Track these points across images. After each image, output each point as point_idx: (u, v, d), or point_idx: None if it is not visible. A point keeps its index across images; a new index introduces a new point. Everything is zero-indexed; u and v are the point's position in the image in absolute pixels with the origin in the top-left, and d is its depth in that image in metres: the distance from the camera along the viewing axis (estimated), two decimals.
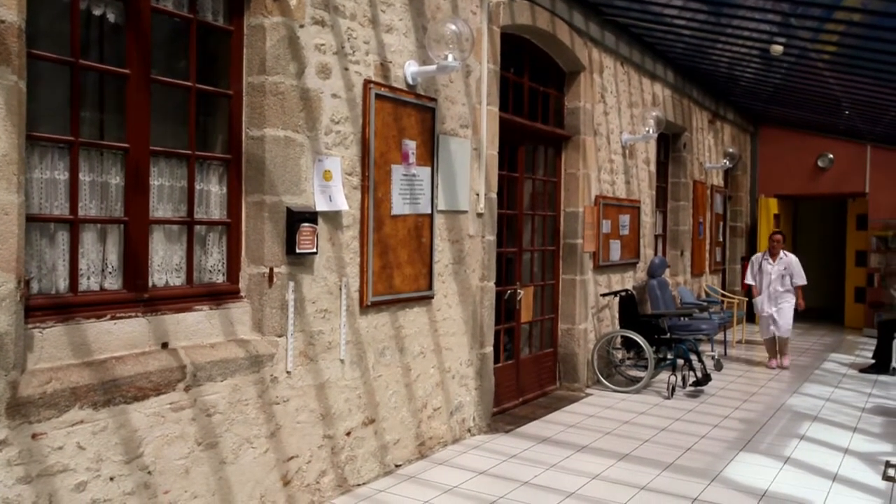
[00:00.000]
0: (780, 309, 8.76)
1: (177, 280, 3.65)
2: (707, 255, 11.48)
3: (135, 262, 3.41)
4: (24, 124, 2.84)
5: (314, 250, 4.06)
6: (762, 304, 8.84)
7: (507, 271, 6.54)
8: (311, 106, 4.08)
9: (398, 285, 4.77)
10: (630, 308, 7.76)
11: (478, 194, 5.62)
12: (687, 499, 4.41)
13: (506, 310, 6.48)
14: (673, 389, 7.16)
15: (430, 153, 5.05)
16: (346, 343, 4.36)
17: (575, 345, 7.33)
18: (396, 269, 4.75)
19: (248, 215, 3.91)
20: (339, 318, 4.31)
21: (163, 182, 3.59)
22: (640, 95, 8.67)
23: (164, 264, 3.60)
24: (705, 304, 9.70)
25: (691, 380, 7.43)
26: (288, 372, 3.96)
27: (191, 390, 3.43)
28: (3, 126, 2.71)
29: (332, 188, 4.22)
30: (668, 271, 9.50)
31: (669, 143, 10.26)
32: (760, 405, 6.88)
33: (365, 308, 4.50)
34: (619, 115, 8.10)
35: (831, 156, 12.73)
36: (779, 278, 8.75)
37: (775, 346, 8.89)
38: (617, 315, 7.93)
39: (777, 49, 6.94)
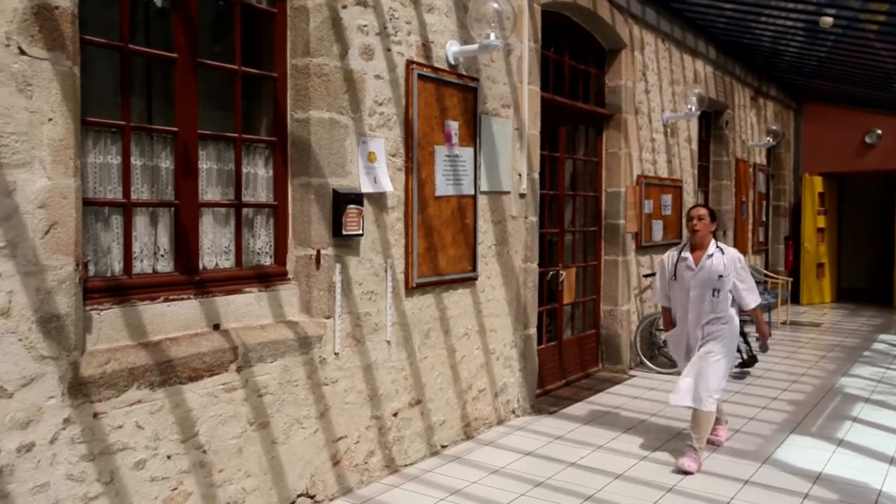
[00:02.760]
0: (703, 357, 4.61)
1: (226, 262, 3.68)
2: (750, 234, 11.27)
3: (186, 245, 3.44)
4: (79, 109, 2.87)
5: (360, 232, 4.06)
6: (675, 344, 4.97)
7: (549, 252, 6.49)
8: (355, 87, 4.07)
9: (442, 266, 4.76)
10: None
11: (520, 175, 5.57)
12: (739, 480, 4.35)
13: (548, 291, 6.44)
14: None
15: (472, 134, 5.01)
16: (392, 324, 4.36)
17: (618, 326, 7.26)
18: (440, 251, 4.74)
19: (295, 198, 3.92)
20: (385, 300, 4.31)
21: (211, 165, 3.61)
22: (682, 73, 8.51)
23: (214, 247, 3.63)
24: None
25: (737, 361, 7.31)
26: (336, 353, 3.98)
27: (242, 371, 3.47)
28: (59, 111, 2.74)
29: (376, 170, 4.21)
30: None
31: (711, 120, 10.06)
32: (809, 387, 6.75)
33: (410, 289, 4.50)
34: (660, 93, 7.95)
35: (879, 131, 12.36)
36: (703, 295, 4.66)
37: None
38: None
39: (827, 21, 6.74)
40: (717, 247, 4.70)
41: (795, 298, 12.40)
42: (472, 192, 5.02)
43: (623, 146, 7.17)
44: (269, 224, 3.89)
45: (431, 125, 4.64)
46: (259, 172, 3.85)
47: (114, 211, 3.20)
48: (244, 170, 3.75)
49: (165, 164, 3.40)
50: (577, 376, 6.90)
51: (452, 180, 4.83)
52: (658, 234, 7.93)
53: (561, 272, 6.54)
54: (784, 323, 10.60)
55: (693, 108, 8.10)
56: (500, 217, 5.34)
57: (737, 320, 4.75)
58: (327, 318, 3.93)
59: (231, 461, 3.42)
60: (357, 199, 4.03)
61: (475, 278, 5.07)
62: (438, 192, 4.71)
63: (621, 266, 7.22)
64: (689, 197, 8.85)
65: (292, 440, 3.73)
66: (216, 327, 3.49)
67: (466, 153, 4.96)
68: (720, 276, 4.61)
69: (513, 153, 5.48)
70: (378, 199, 4.25)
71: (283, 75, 3.87)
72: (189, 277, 3.43)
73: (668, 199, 8.13)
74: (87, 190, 3.09)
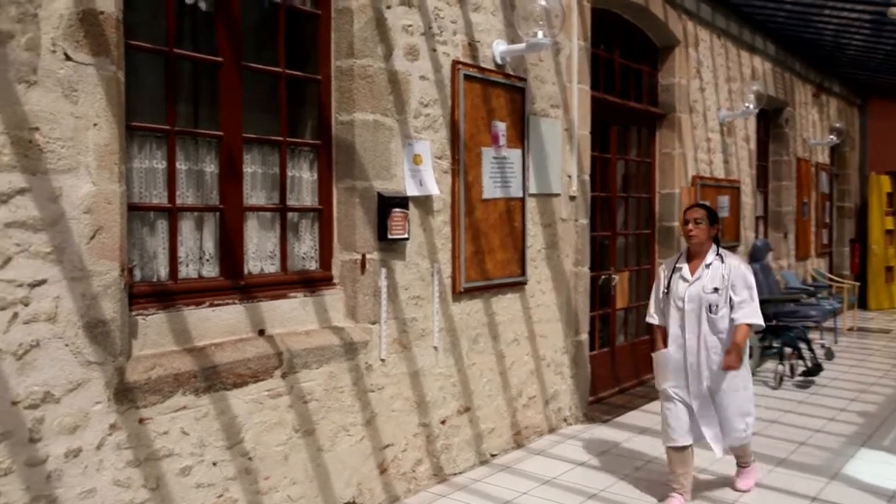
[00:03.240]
0: (717, 392, 3.97)
1: (271, 267, 3.65)
2: (813, 237, 10.85)
3: (230, 250, 3.42)
4: (124, 114, 2.87)
5: (406, 236, 3.99)
6: (664, 368, 4.03)
7: (600, 256, 6.33)
8: (400, 89, 4.00)
9: (490, 271, 4.66)
10: None
11: (570, 176, 5.43)
12: (805, 497, 4.12)
13: (600, 295, 6.27)
14: (781, 379, 6.77)
15: (520, 135, 4.91)
16: (440, 330, 4.28)
17: None
18: (488, 255, 4.64)
19: (340, 201, 3.87)
20: (433, 305, 4.23)
21: (255, 169, 3.59)
22: (739, 69, 8.23)
23: (259, 251, 3.61)
24: (812, 289, 9.15)
25: (800, 369, 7.01)
26: (382, 359, 3.91)
27: (287, 377, 3.43)
28: (104, 117, 2.74)
29: (422, 172, 4.14)
30: (771, 255, 9.01)
31: (770, 119, 9.72)
32: (880, 397, 6.41)
33: (457, 294, 4.41)
34: (716, 91, 7.70)
35: None
36: (700, 312, 3.93)
37: (685, 462, 4.00)
38: None
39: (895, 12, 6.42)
40: (718, 254, 3.98)
41: (863, 304, 11.88)
42: (521, 195, 4.90)
43: (677, 146, 6.96)
44: (313, 228, 3.85)
45: (478, 126, 4.55)
46: (304, 176, 3.82)
47: (159, 216, 3.20)
48: (289, 173, 3.72)
49: (210, 168, 3.39)
50: (632, 384, 6.70)
51: (500, 182, 4.73)
52: None
53: (613, 276, 6.37)
54: (850, 329, 10.15)
55: (751, 106, 7.82)
56: (549, 220, 5.21)
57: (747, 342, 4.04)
58: (373, 323, 3.87)
59: (277, 468, 3.38)
60: (402, 202, 3.96)
61: (524, 283, 4.95)
62: (486, 195, 4.61)
63: None
64: (748, 198, 8.55)
65: (338, 447, 3.68)
66: (261, 333, 3.45)
67: (514, 155, 4.85)
68: (715, 290, 3.89)
69: (562, 154, 5.34)
70: (424, 203, 4.17)
71: (328, 77, 3.83)
72: (234, 282, 3.41)
73: (724, 200, 7.86)
74: (133, 195, 3.09)
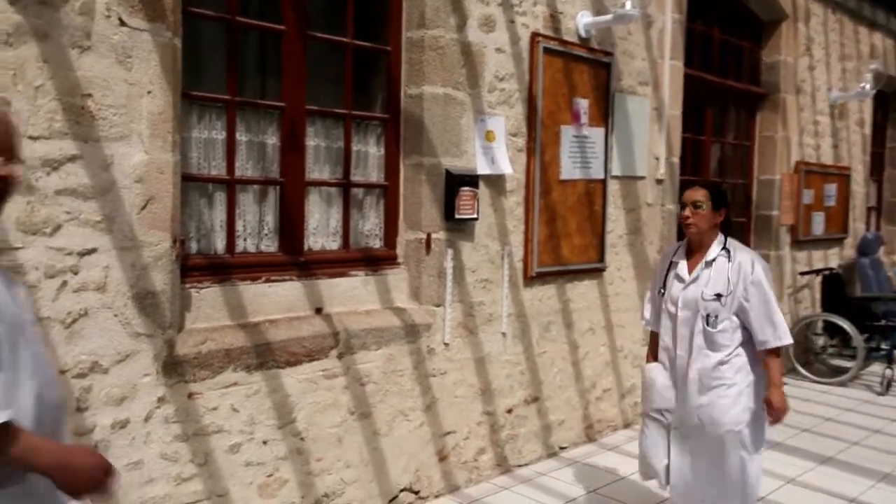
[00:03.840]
0: (703, 452, 3.02)
1: (332, 244, 3.55)
2: None
3: (290, 225, 3.33)
4: (180, 82, 2.81)
5: (475, 216, 3.80)
6: (649, 387, 3.17)
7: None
8: (473, 61, 3.80)
9: (566, 256, 4.41)
10: (835, 289, 6.83)
11: (657, 159, 5.09)
12: None
13: None
14: (889, 384, 6.20)
15: (603, 113, 4.61)
16: (509, 316, 4.08)
17: None
18: (564, 239, 4.39)
19: (406, 178, 3.72)
20: (501, 289, 4.04)
21: (319, 143, 3.49)
22: (855, 47, 7.55)
23: (320, 227, 3.51)
24: None
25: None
26: (445, 343, 3.75)
27: (344, 358, 3.32)
28: (158, 84, 2.68)
29: (494, 150, 3.94)
30: (882, 249, 8.28)
31: (890, 101, 8.91)
32: None
33: (529, 279, 4.19)
34: (827, 70, 7.09)
35: None
36: (694, 322, 3.03)
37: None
38: (818, 296, 7.01)
39: None
40: (725, 249, 3.01)
41: None
42: (602, 177, 4.62)
43: (780, 129, 6.44)
44: (378, 205, 3.72)
45: (558, 103, 4.29)
46: (370, 151, 3.69)
47: (217, 188, 3.14)
48: (354, 148, 3.60)
49: (271, 140, 3.30)
50: None
51: (580, 163, 4.46)
52: (819, 228, 7.10)
53: None
54: None
55: (867, 87, 7.16)
56: (633, 204, 4.90)
57: (755, 371, 2.98)
58: (437, 305, 3.72)
59: (330, 450, 3.29)
60: (472, 180, 3.78)
61: (602, 269, 4.68)
62: (564, 176, 4.36)
63: (774, 262, 6.50)
64: (859, 187, 7.88)
65: (396, 432, 3.55)
66: (318, 311, 3.36)
67: (597, 134, 4.56)
68: (717, 296, 2.93)
69: (650, 135, 5.01)
70: (496, 182, 3.97)
71: (397, 49, 3.68)
72: (293, 258, 3.32)
73: (832, 188, 7.25)
74: (190, 165, 3.03)
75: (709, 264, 3.01)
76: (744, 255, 2.99)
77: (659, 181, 5.11)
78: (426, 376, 3.68)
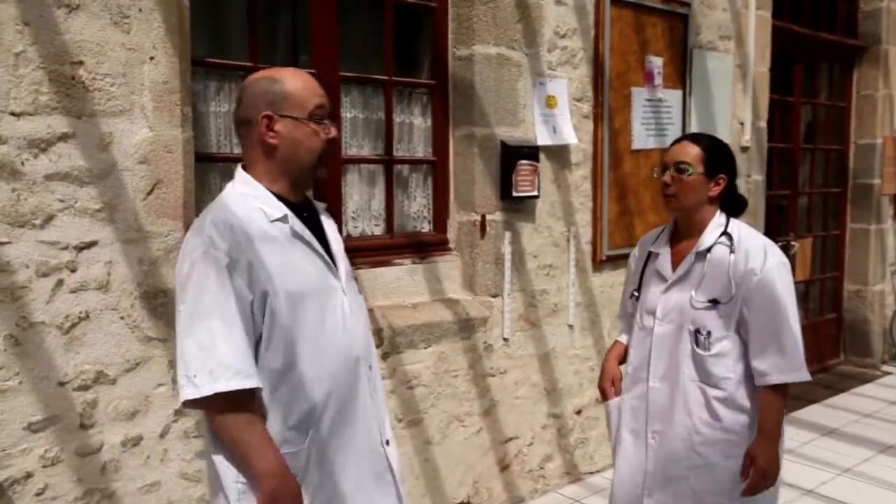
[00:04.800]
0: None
1: (374, 229, 3.15)
2: None
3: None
4: (189, 46, 2.43)
5: (535, 193, 3.34)
6: (612, 427, 2.34)
7: (777, 219, 5.32)
8: (530, 16, 3.32)
9: (640, 235, 3.86)
10: None
11: (742, 124, 4.51)
12: None
13: None
14: None
15: (680, 72, 4.06)
16: (576, 305, 3.62)
17: (867, 310, 5.88)
18: (637, 216, 3.88)
19: (456, 152, 3.29)
20: (567, 276, 3.57)
21: (356, 114, 3.08)
22: None
23: (360, 210, 3.11)
24: None
25: None
26: (505, 339, 3.32)
27: (389, 358, 2.93)
28: (162, 49, 2.31)
29: (556, 117, 3.46)
30: None
31: None
32: None
33: (599, 263, 3.71)
34: None
35: None
36: (678, 341, 2.14)
37: None
38: None
39: None
40: (726, 234, 2.11)
41: None
42: None
43: (881, 87, 5.72)
44: (426, 184, 3.30)
45: (628, 62, 3.77)
46: (415, 122, 3.26)
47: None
48: (396, 119, 3.18)
49: None
50: (813, 369, 5.62)
51: (654, 130, 3.93)
52: None
53: (792, 243, 5.34)
54: None
55: None
56: None
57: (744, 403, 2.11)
58: (494, 296, 3.28)
59: None
60: (531, 153, 3.31)
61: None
62: (636, 145, 3.84)
63: (874, 236, 5.82)
64: None
65: (450, 440, 3.15)
66: None
67: (673, 96, 4.02)
68: (714, 302, 2.08)
69: (733, 96, 4.43)
70: (558, 154, 3.49)
71: (444, 4, 3.23)
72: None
73: None
74: (207, 143, 2.66)
75: (701, 256, 2.11)
76: (753, 242, 2.08)
77: (744, 149, 4.53)
78: (483, 376, 3.26)
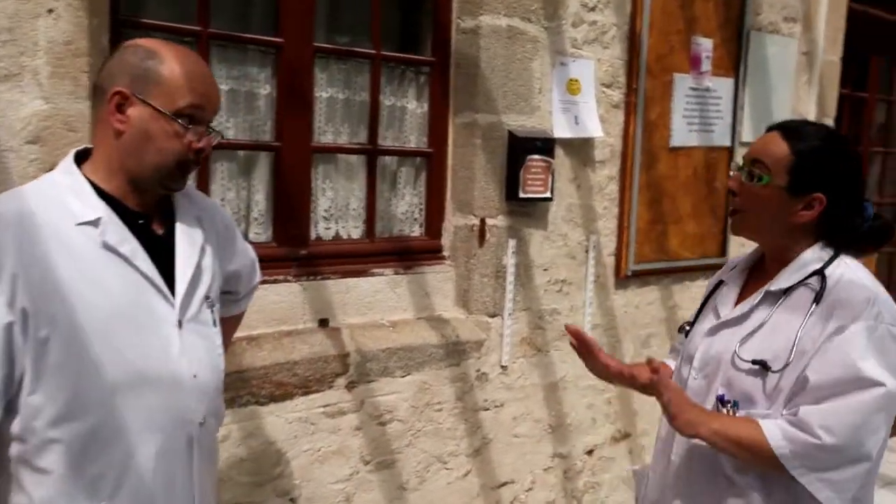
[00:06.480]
0: None
1: (352, 231, 2.65)
2: None
3: (290, 205, 2.46)
4: (107, 2, 1.96)
5: (548, 195, 2.81)
6: (638, 494, 1.88)
7: None
8: None
9: (674, 248, 3.34)
10: None
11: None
12: None
13: None
14: None
15: (733, 58, 3.47)
16: (593, 327, 3.08)
17: None
18: (673, 225, 3.32)
19: (456, 143, 2.77)
20: (584, 293, 3.04)
21: (333, 94, 2.58)
22: None
23: (334, 209, 2.61)
24: None
25: None
26: (503, 366, 2.81)
27: (356, 388, 2.44)
28: (64, 0, 1.84)
29: (579, 105, 2.91)
30: None
31: None
32: None
33: (623, 279, 3.16)
34: None
35: None
36: (703, 395, 1.59)
37: None
38: None
39: None
40: (819, 273, 1.49)
41: None
42: (729, 143, 3.49)
43: None
44: (418, 180, 2.79)
45: (670, 43, 3.19)
46: (407, 106, 2.75)
47: None
48: (384, 102, 2.67)
49: (263, 90, 2.42)
50: None
51: (698, 124, 3.35)
52: None
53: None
54: None
55: None
56: None
57: None
58: (492, 315, 2.77)
59: None
60: (545, 146, 2.78)
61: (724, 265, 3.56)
62: (675, 142, 3.27)
63: None
64: None
65: (430, 485, 2.65)
66: (323, 323, 2.48)
67: (723, 86, 3.43)
68: (759, 365, 1.49)
69: (796, 89, 3.80)
70: (579, 149, 2.95)
71: None
72: (291, 251, 2.45)
73: None
74: None
75: (772, 298, 1.53)
76: (854, 293, 1.44)
77: None
78: (475, 410, 2.75)
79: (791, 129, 1.53)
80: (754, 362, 1.50)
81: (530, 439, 2.93)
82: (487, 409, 2.79)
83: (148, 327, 1.28)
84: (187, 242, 1.40)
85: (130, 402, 1.24)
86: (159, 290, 1.30)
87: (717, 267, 3.51)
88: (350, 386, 2.43)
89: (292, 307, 2.42)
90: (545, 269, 2.90)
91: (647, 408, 3.33)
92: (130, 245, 1.29)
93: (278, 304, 2.39)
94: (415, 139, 2.77)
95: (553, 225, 2.90)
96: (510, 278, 2.79)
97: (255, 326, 2.33)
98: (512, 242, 2.78)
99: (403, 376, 2.54)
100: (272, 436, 2.28)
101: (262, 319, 2.35)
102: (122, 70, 1.31)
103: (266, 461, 2.27)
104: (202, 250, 1.42)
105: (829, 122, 4.01)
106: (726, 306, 1.62)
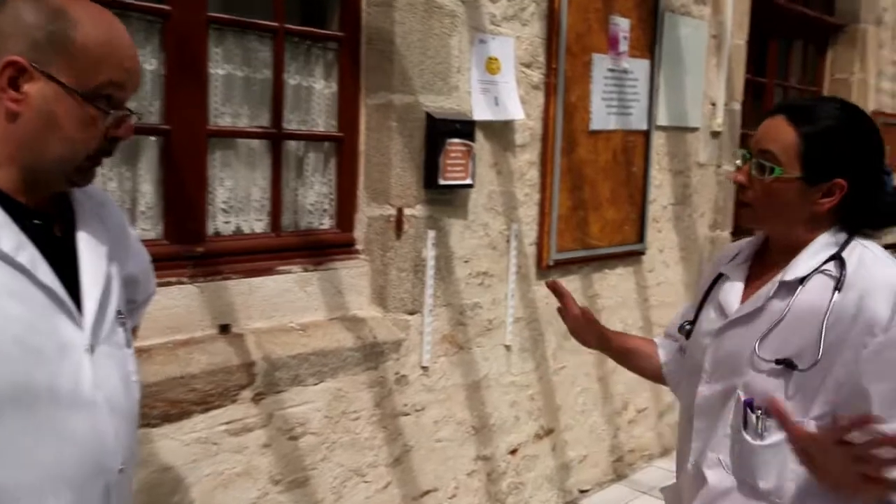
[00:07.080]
0: None
1: (255, 225, 2.38)
2: None
3: (183, 197, 2.16)
4: None
5: (469, 181, 2.63)
6: None
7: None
8: None
9: (595, 235, 3.24)
10: None
11: (713, 104, 3.87)
12: None
13: None
14: None
15: (649, 39, 3.39)
16: (515, 321, 2.94)
17: None
18: (593, 212, 3.22)
19: (369, 126, 2.53)
20: (506, 286, 2.88)
21: (231, 71, 2.28)
22: None
23: (234, 200, 2.33)
24: None
25: None
26: (423, 367, 2.61)
27: (263, 401, 2.19)
28: None
29: (499, 86, 2.74)
30: None
31: None
32: None
33: (545, 269, 3.03)
34: None
35: None
36: (719, 411, 1.40)
37: None
38: None
39: None
40: (836, 258, 1.32)
41: None
42: (645, 127, 3.42)
43: (857, 70, 5.18)
44: (327, 167, 2.54)
45: (589, 22, 3.07)
46: (314, 86, 2.48)
47: None
48: (289, 81, 2.40)
49: (149, 64, 2.10)
50: None
51: (616, 107, 3.25)
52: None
53: None
54: None
55: None
56: (682, 164, 3.70)
57: None
58: (411, 313, 2.56)
59: None
60: (465, 129, 2.59)
61: (641, 252, 3.51)
62: (595, 125, 3.16)
63: None
64: None
65: (347, 501, 2.44)
66: (224, 329, 2.21)
67: (639, 67, 3.35)
68: (783, 364, 1.30)
69: (706, 71, 3.78)
70: (500, 132, 2.78)
71: None
72: (185, 248, 2.16)
73: None
74: None
75: (787, 289, 1.34)
76: (879, 278, 1.28)
77: (715, 134, 3.90)
78: (394, 416, 2.55)
79: (796, 111, 1.35)
80: (777, 362, 1.31)
81: (453, 443, 2.76)
82: (408, 415, 2.59)
83: (51, 357, 1.00)
84: (92, 247, 1.11)
85: (32, 453, 0.96)
86: (66, 310, 1.03)
87: (636, 254, 3.48)
88: (257, 398, 2.17)
89: (188, 313, 2.13)
90: (466, 261, 2.73)
91: (569, 401, 3.23)
92: (28, 252, 1.00)
93: (172, 309, 2.10)
94: (323, 122, 2.51)
95: (474, 214, 2.72)
96: (430, 272, 2.59)
97: (145, 336, 2.02)
98: (431, 234, 2.58)
99: (316, 384, 2.31)
100: (168, 461, 2.00)
101: (153, 328, 2.04)
102: (18, 32, 1.00)
103: (161, 490, 1.99)
104: (109, 256, 1.14)
105: (737, 106, 4.04)
106: (731, 302, 1.43)
